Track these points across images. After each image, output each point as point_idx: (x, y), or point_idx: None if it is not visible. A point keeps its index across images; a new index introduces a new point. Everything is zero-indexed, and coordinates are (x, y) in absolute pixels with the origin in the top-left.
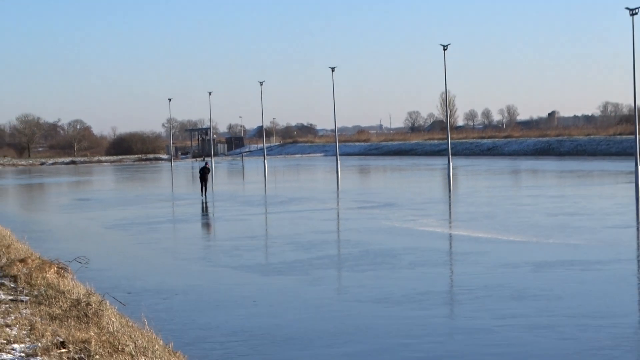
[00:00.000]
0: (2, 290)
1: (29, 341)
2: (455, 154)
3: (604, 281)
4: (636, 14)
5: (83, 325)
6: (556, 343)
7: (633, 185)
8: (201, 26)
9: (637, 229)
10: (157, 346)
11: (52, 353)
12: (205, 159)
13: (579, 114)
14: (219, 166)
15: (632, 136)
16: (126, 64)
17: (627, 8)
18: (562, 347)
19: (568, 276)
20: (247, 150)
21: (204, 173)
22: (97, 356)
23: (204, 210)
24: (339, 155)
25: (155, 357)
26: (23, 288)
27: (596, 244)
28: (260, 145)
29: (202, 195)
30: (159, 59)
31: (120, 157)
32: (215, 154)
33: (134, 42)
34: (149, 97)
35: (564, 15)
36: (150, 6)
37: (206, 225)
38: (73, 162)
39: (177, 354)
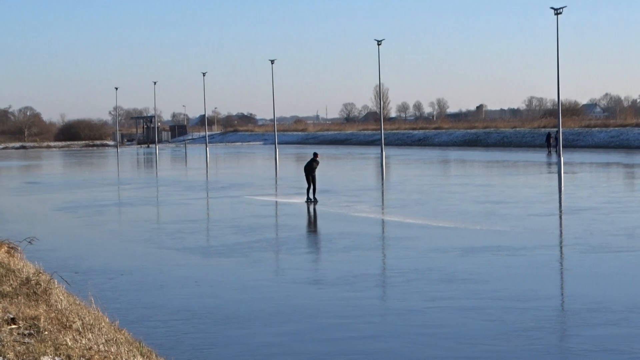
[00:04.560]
0: None
1: None
2: (388, 144)
3: (528, 266)
4: (560, 13)
5: (32, 302)
6: (483, 324)
7: (556, 175)
8: (146, 17)
9: (560, 217)
10: (103, 323)
11: (2, 329)
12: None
13: (506, 107)
14: (162, 152)
15: (555, 129)
16: (74, 52)
17: (552, 8)
18: (489, 328)
19: (494, 261)
20: (189, 138)
21: (312, 167)
22: (46, 332)
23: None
24: (278, 143)
25: (102, 334)
26: None
27: (521, 230)
28: (202, 133)
29: (307, 198)
30: (106, 48)
31: (68, 142)
32: (160, 142)
33: (82, 31)
34: (96, 85)
35: (492, 12)
36: None
37: (153, 209)
38: (23, 147)
39: (123, 332)
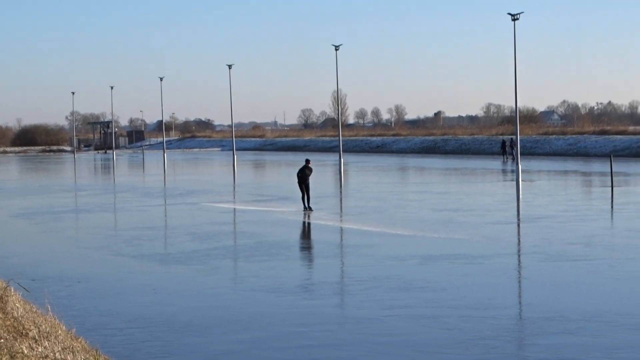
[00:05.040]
0: None
1: None
2: (346, 150)
3: (486, 274)
4: (517, 19)
5: None
6: (441, 333)
7: (514, 183)
8: (103, 21)
9: (518, 225)
10: (60, 331)
11: None
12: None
13: (464, 114)
14: (120, 158)
15: (512, 136)
16: (31, 56)
17: (509, 14)
18: (446, 337)
19: (452, 269)
20: (147, 143)
21: (305, 175)
22: (2, 340)
23: (305, 233)
24: (236, 150)
25: (58, 342)
26: None
27: (479, 238)
28: (160, 139)
29: (304, 207)
30: (63, 52)
31: (24, 148)
32: (117, 147)
33: (38, 35)
34: (53, 90)
35: (449, 18)
36: (54, 1)
37: (109, 215)
38: None
39: (79, 339)
